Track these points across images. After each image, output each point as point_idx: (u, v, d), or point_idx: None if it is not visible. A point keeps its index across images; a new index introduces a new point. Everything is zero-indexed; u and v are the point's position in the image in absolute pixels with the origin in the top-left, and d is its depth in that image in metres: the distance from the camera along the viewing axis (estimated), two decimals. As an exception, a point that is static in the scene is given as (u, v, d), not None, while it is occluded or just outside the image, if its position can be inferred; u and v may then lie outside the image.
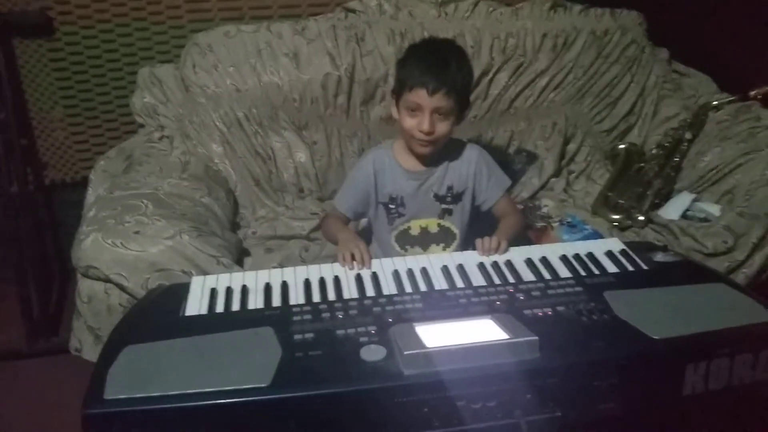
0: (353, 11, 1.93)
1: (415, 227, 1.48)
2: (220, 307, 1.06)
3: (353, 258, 1.21)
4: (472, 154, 1.47)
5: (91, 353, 1.34)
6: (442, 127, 1.35)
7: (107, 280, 1.28)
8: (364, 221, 1.65)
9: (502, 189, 1.50)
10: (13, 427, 1.62)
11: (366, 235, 1.55)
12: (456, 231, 1.48)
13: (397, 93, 1.39)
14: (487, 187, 1.48)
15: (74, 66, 1.91)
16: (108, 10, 1.86)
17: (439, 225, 1.48)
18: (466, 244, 1.49)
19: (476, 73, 1.92)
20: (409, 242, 1.48)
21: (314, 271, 1.18)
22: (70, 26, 1.85)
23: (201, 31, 1.85)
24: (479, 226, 1.50)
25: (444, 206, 1.47)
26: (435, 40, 1.60)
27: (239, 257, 1.52)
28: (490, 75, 1.97)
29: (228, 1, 1.95)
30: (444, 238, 1.48)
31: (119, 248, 1.27)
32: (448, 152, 1.45)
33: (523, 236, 1.65)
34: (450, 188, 1.46)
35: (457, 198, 1.47)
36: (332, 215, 1.52)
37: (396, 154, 1.46)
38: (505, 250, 1.26)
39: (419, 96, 1.31)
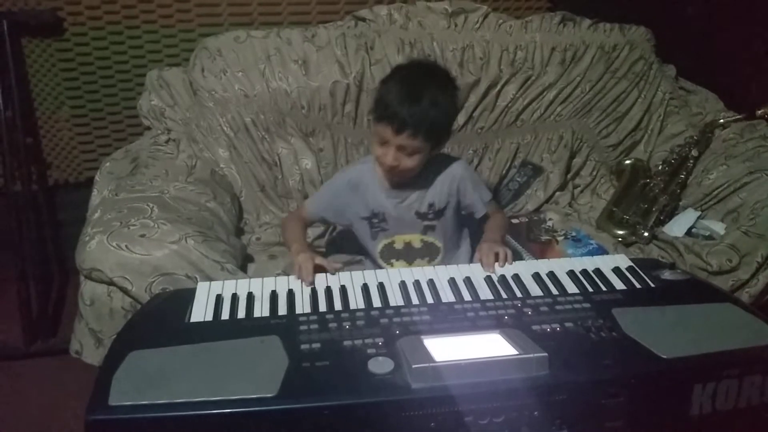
0: (363, 20, 1.93)
1: (399, 242, 1.46)
2: (225, 314, 1.06)
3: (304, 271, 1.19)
4: (455, 169, 1.44)
5: (92, 356, 1.33)
6: (408, 162, 1.32)
7: (111, 283, 1.27)
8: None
9: (486, 200, 1.48)
10: (10, 427, 1.61)
11: (353, 244, 1.55)
12: (440, 245, 1.47)
13: (372, 115, 1.36)
14: (474, 200, 1.46)
15: (82, 67, 1.90)
16: (118, 12, 1.86)
17: (422, 241, 1.47)
18: (451, 254, 1.50)
19: (484, 84, 1.94)
20: (393, 256, 1.47)
21: (320, 280, 1.18)
22: (79, 27, 1.85)
23: (210, 35, 1.85)
24: (470, 230, 1.52)
25: (426, 223, 1.45)
26: (418, 66, 1.42)
27: (243, 263, 1.51)
28: (498, 87, 1.97)
29: (238, 6, 1.95)
30: (428, 252, 1.48)
31: (124, 251, 1.26)
32: (429, 170, 1.41)
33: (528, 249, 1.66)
34: (431, 205, 1.43)
35: (439, 214, 1.45)
36: (297, 216, 1.51)
37: (376, 169, 1.42)
38: (510, 258, 1.25)
39: (386, 131, 1.28)
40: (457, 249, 1.53)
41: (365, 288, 1.14)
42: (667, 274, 1.20)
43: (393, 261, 1.48)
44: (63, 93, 1.92)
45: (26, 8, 1.79)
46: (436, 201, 1.43)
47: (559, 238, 1.72)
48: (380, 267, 1.46)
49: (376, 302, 1.10)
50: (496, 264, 1.24)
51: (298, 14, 2.01)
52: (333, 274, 1.21)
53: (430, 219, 1.45)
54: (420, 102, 1.26)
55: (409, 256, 1.47)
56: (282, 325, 0.99)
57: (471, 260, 1.51)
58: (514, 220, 1.82)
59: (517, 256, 1.61)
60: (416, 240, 1.46)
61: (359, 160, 1.68)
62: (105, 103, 1.97)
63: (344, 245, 1.63)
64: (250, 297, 1.11)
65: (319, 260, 1.23)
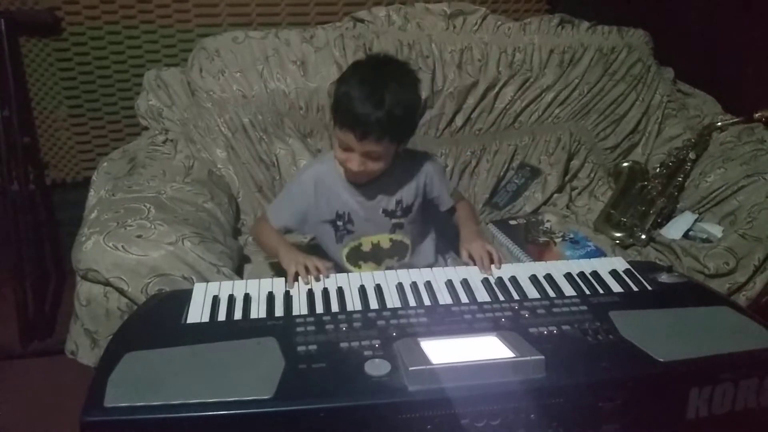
0: (362, 21, 1.93)
1: (366, 243, 1.41)
2: (222, 316, 1.05)
3: (308, 271, 1.17)
4: (423, 165, 1.40)
5: (87, 357, 1.33)
6: (373, 166, 1.27)
7: (107, 284, 1.27)
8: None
9: (451, 191, 1.47)
10: (5, 428, 1.60)
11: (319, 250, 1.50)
12: (408, 242, 1.44)
13: (333, 116, 1.29)
14: (441, 192, 1.44)
15: (80, 66, 1.90)
16: (116, 11, 1.86)
17: (391, 240, 1.42)
18: (419, 251, 1.47)
19: (482, 86, 1.94)
20: (361, 258, 1.43)
21: (317, 282, 1.17)
22: (77, 27, 1.85)
23: (209, 35, 1.84)
24: (437, 226, 1.51)
25: (395, 221, 1.40)
26: (376, 63, 1.33)
27: (240, 264, 1.51)
28: (496, 89, 1.97)
29: (236, 7, 1.95)
30: (397, 251, 1.44)
31: (120, 252, 1.26)
32: (397, 165, 1.36)
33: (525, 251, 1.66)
34: (399, 202, 1.39)
35: (407, 211, 1.40)
36: (265, 223, 1.42)
37: (339, 168, 1.35)
38: (497, 257, 1.25)
39: (348, 137, 1.23)
40: (422, 242, 1.49)
41: (362, 290, 1.14)
42: (664, 277, 1.20)
43: (361, 263, 1.43)
44: (61, 93, 1.92)
45: (24, 8, 1.78)
46: (404, 197, 1.39)
47: (557, 240, 1.72)
48: (346, 272, 1.37)
49: (373, 304, 1.10)
50: (492, 266, 1.24)
51: (297, 15, 2.00)
52: (327, 276, 1.19)
53: (398, 217, 1.40)
54: (382, 104, 1.20)
55: (377, 257, 1.43)
56: (279, 327, 0.98)
57: (435, 251, 1.51)
58: (512, 222, 1.82)
59: (514, 258, 1.62)
60: (385, 240, 1.42)
61: (317, 159, 1.62)
62: (103, 103, 1.97)
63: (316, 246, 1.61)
64: (247, 298, 1.10)
65: (315, 262, 1.22)
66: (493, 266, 1.24)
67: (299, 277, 1.18)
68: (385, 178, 1.36)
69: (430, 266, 1.29)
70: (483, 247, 1.27)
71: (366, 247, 1.42)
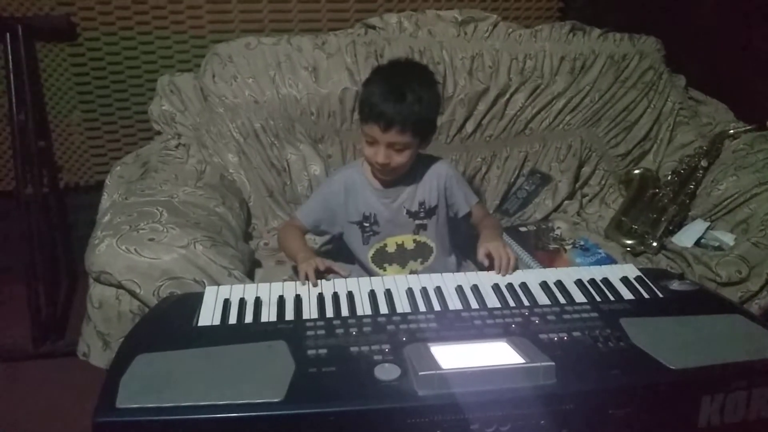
0: (373, 27, 1.94)
1: (391, 244, 1.46)
2: (233, 319, 1.06)
3: (316, 272, 1.21)
4: (441, 169, 1.47)
5: (99, 359, 1.34)
6: (398, 159, 1.34)
7: (119, 286, 1.28)
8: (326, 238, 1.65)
9: (472, 201, 1.51)
10: (17, 428, 1.62)
11: (345, 254, 1.54)
12: (432, 245, 1.48)
13: (359, 117, 1.38)
14: (458, 198, 1.49)
15: (94, 71, 1.93)
16: (131, 17, 1.88)
17: (415, 241, 1.47)
18: (444, 256, 1.50)
19: (493, 93, 1.94)
20: (386, 260, 1.47)
21: (328, 286, 1.18)
22: (92, 32, 1.87)
23: (222, 41, 1.87)
24: (456, 235, 1.53)
25: (418, 222, 1.46)
26: (397, 65, 1.46)
27: (251, 268, 1.51)
28: (507, 95, 1.97)
29: (249, 13, 1.97)
30: (421, 253, 1.48)
31: (133, 254, 1.27)
32: (417, 169, 1.44)
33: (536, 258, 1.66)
34: (422, 204, 1.45)
35: (430, 213, 1.46)
36: (292, 226, 1.50)
37: (366, 172, 1.45)
38: (515, 260, 1.27)
39: (373, 130, 1.31)
40: (448, 255, 1.52)
41: (372, 294, 1.14)
42: (675, 285, 1.19)
43: (386, 266, 1.47)
44: (75, 97, 1.94)
45: (40, 14, 1.81)
46: (427, 199, 1.45)
47: (567, 247, 1.71)
48: (372, 274, 1.45)
49: (383, 309, 1.10)
50: (500, 266, 1.26)
51: (309, 21, 2.02)
52: (346, 276, 1.22)
53: (421, 218, 1.46)
54: (404, 98, 1.29)
55: (402, 258, 1.47)
56: (289, 331, 0.99)
57: (458, 259, 1.54)
58: (522, 229, 1.81)
59: (524, 265, 1.61)
60: (409, 241, 1.47)
61: (345, 165, 1.69)
62: (116, 108, 1.99)
63: (333, 254, 1.62)
64: (258, 302, 1.11)
65: (328, 263, 1.25)
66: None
67: (308, 279, 1.20)
68: (407, 179, 1.44)
69: (453, 272, 1.32)
70: (504, 247, 1.29)
71: (391, 248, 1.46)
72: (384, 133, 1.30)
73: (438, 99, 1.43)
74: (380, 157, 1.33)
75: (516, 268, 1.28)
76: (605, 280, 1.21)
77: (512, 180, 1.97)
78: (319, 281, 1.20)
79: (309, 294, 1.15)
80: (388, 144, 1.31)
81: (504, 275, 1.24)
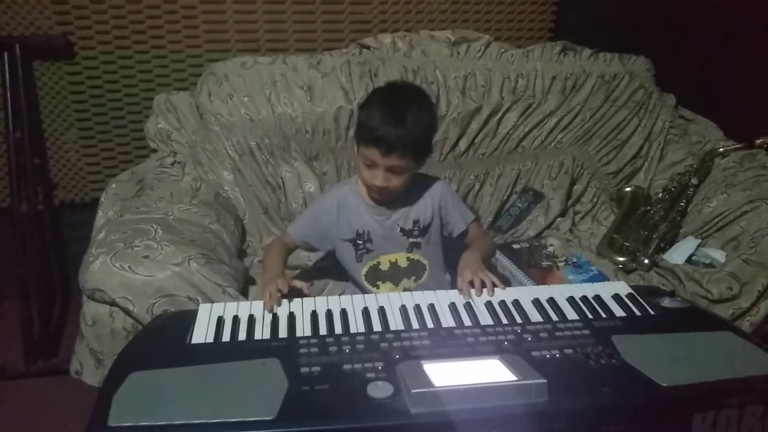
0: (368, 47, 1.97)
1: (384, 262, 1.46)
2: (226, 336, 1.06)
3: (271, 296, 1.18)
4: (436, 187, 1.47)
5: (92, 377, 1.33)
6: (396, 181, 1.35)
7: (113, 304, 1.28)
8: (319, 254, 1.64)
9: (468, 219, 1.49)
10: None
11: (339, 270, 1.54)
12: (425, 262, 1.48)
13: (356, 139, 1.38)
14: (453, 217, 1.48)
15: (91, 90, 1.94)
16: (128, 37, 1.90)
17: (408, 259, 1.47)
18: (437, 274, 1.50)
19: (486, 111, 1.97)
20: (380, 278, 1.47)
21: (321, 303, 1.18)
22: (89, 51, 1.89)
23: (218, 60, 1.89)
24: (449, 254, 1.51)
25: (411, 240, 1.46)
26: (396, 89, 1.44)
27: (245, 285, 1.51)
28: (500, 114, 2.00)
29: (245, 33, 1.99)
30: (414, 271, 1.48)
31: (127, 272, 1.27)
32: (412, 187, 1.44)
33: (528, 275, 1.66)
34: (416, 222, 1.45)
35: (424, 231, 1.46)
36: (280, 242, 1.49)
37: (360, 189, 1.45)
38: (490, 286, 1.24)
39: (373, 154, 1.30)
40: (443, 273, 1.52)
41: (366, 312, 1.15)
42: (667, 302, 1.20)
43: (379, 283, 1.47)
44: (72, 115, 1.96)
45: (38, 33, 1.83)
46: (421, 217, 1.45)
47: (560, 264, 1.72)
48: (365, 291, 1.45)
49: (377, 326, 1.10)
50: (473, 291, 1.23)
51: (304, 41, 2.05)
52: (307, 294, 1.22)
53: (415, 236, 1.45)
54: (405, 123, 1.29)
55: (395, 276, 1.47)
56: (282, 348, 0.99)
57: (452, 278, 1.51)
58: (515, 246, 1.82)
59: (517, 282, 1.62)
60: (402, 259, 1.46)
61: (340, 182, 1.70)
62: (113, 126, 2.00)
63: (328, 270, 1.63)
64: (251, 319, 1.11)
65: (293, 283, 1.24)
66: (496, 290, 1.24)
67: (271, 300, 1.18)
68: (402, 198, 1.43)
69: (447, 290, 1.29)
70: (475, 272, 1.26)
71: (384, 266, 1.46)
72: (384, 157, 1.30)
73: (435, 122, 1.44)
74: (379, 180, 1.33)
75: (492, 290, 1.24)
76: (597, 298, 1.22)
77: (505, 197, 1.99)
78: (312, 298, 1.20)
79: (302, 311, 1.15)
80: (387, 168, 1.32)
81: (468, 299, 1.21)
